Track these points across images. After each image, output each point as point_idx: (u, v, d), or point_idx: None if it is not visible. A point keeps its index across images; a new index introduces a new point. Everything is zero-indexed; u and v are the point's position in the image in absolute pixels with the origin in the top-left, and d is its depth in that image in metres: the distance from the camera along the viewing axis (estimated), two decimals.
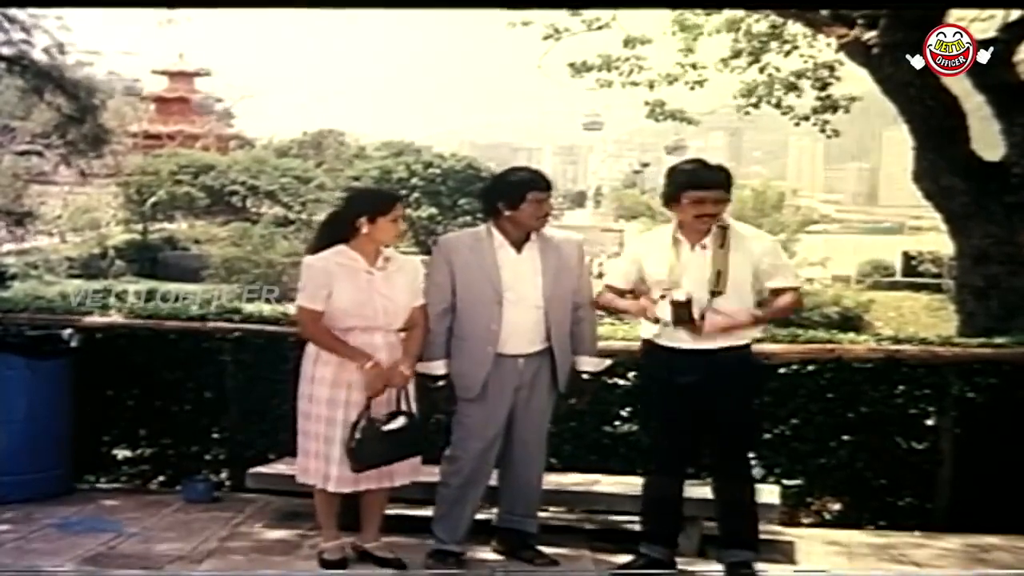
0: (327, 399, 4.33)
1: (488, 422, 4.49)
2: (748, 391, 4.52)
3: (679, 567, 4.52)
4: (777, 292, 4.39)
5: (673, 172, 4.46)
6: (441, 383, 4.53)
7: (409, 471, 4.43)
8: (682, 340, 4.28)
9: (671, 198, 4.36)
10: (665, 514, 4.46)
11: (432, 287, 4.54)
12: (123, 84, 52.39)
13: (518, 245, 4.50)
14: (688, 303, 4.19)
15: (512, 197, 4.46)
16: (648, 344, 4.43)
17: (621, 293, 4.52)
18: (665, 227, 4.50)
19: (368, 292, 4.33)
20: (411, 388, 4.39)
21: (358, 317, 4.31)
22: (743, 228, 4.43)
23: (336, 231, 4.40)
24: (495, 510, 4.75)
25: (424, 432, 4.43)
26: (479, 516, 4.67)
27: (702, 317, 4.23)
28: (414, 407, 4.37)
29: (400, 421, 4.29)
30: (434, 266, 4.58)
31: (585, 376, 4.60)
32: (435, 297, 4.50)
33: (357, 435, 4.21)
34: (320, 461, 4.35)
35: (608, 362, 4.76)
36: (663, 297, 4.28)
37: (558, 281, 4.49)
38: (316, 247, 4.40)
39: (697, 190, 4.27)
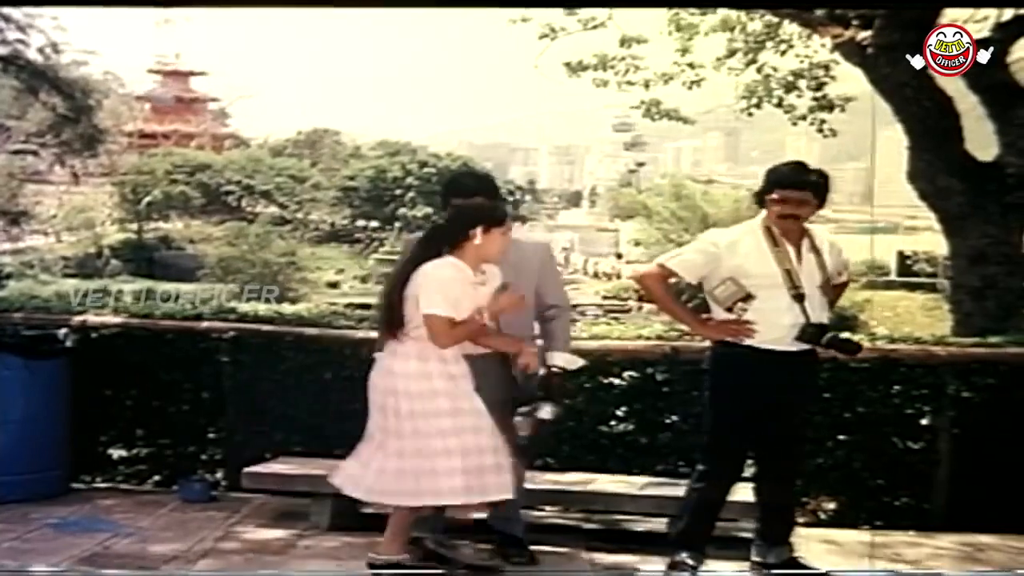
0: (449, 410, 4.19)
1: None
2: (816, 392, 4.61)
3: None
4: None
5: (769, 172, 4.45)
6: None
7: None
8: (784, 343, 4.23)
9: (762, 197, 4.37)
10: (711, 519, 4.41)
11: None
12: (156, 88, 53.06)
13: None
14: (821, 326, 4.22)
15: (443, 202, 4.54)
16: (732, 346, 4.30)
17: (666, 279, 4.40)
18: (745, 226, 4.44)
19: (475, 305, 4.26)
20: None
21: None
22: (815, 230, 4.40)
23: (443, 242, 4.28)
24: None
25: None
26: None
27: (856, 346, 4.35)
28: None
29: (548, 410, 4.27)
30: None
31: (555, 371, 4.48)
32: None
33: (522, 432, 4.21)
34: (445, 477, 4.18)
35: (581, 362, 4.67)
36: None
37: (527, 282, 4.46)
38: (424, 256, 4.24)
39: (784, 190, 4.28)
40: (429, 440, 4.13)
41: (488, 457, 4.15)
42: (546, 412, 4.23)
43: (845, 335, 4.42)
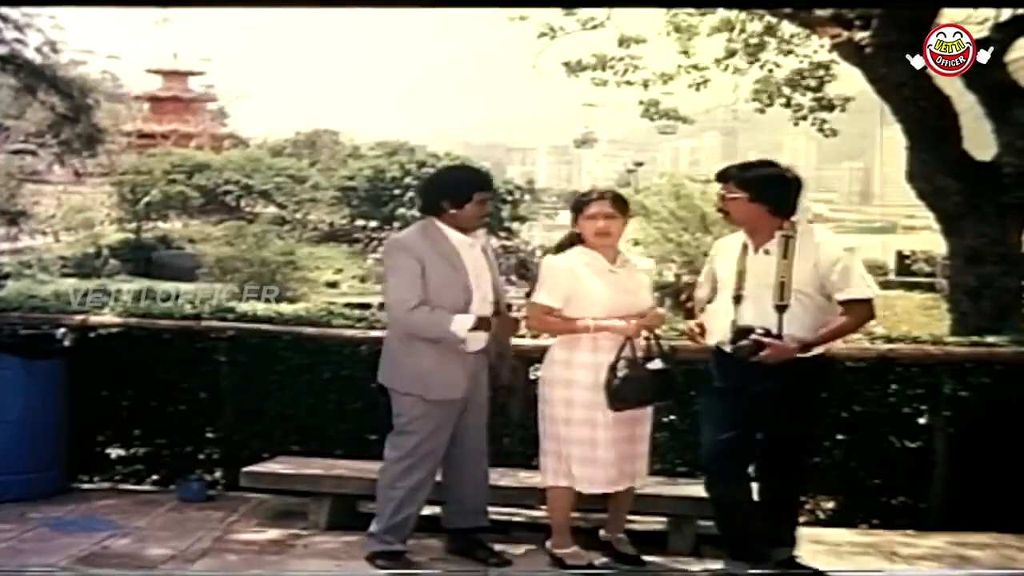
0: (589, 402, 4.34)
1: (447, 423, 4.49)
2: (813, 396, 4.49)
3: (672, 567, 4.54)
4: (846, 305, 4.25)
5: None
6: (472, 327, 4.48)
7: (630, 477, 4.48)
8: (726, 344, 4.26)
9: None
10: (737, 519, 4.36)
11: (402, 285, 4.40)
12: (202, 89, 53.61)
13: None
14: (746, 330, 4.19)
15: (458, 196, 4.46)
16: (717, 347, 4.37)
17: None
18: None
19: (615, 289, 4.40)
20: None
21: (609, 313, 4.37)
22: (817, 235, 4.33)
23: (572, 237, 4.53)
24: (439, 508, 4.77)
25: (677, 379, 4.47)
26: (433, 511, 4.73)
27: (759, 347, 4.15)
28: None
29: (659, 363, 4.32)
30: (401, 265, 4.45)
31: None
32: (409, 293, 4.38)
33: (621, 373, 4.26)
34: (584, 465, 4.37)
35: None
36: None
37: (497, 276, 4.59)
38: (557, 252, 4.52)
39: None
40: (566, 428, 4.39)
41: (623, 448, 4.38)
42: (656, 364, 4.33)
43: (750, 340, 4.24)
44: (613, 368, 4.26)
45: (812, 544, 4.99)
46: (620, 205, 4.51)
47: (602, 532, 4.68)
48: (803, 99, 10.65)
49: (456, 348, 4.43)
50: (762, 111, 10.90)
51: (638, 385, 4.27)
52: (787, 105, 10.64)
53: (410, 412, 4.49)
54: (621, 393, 4.25)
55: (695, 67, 10.90)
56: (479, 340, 4.48)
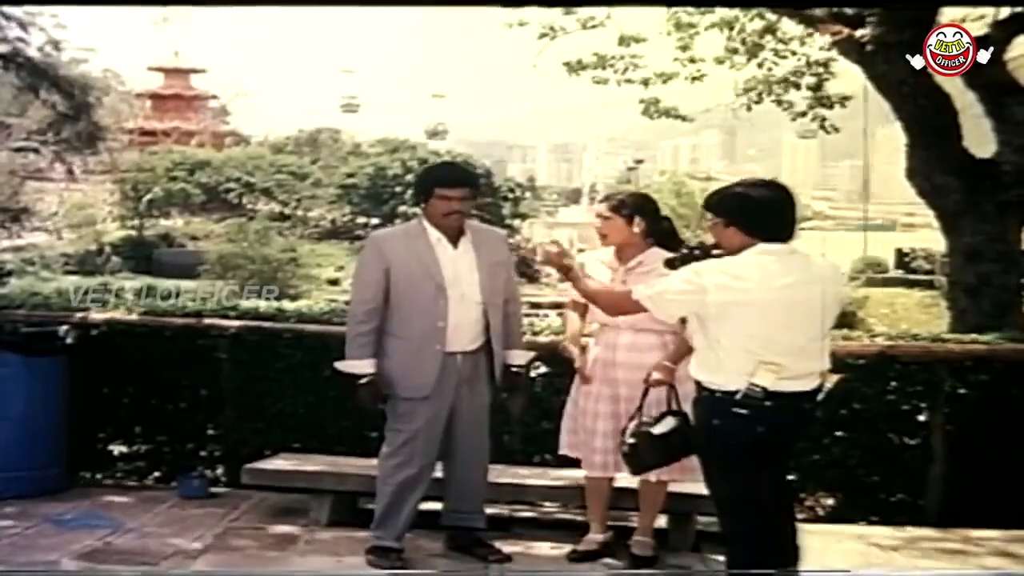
0: (583, 389, 4.56)
1: (432, 421, 4.45)
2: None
3: (672, 564, 4.56)
4: None
5: None
6: (364, 380, 4.42)
7: (679, 471, 4.34)
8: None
9: None
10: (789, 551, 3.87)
11: (361, 284, 4.48)
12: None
13: (454, 240, 4.46)
14: None
15: (420, 191, 4.46)
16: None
17: None
18: None
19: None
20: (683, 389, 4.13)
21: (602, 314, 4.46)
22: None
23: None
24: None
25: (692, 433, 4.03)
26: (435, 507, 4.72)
27: None
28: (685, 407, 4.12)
29: (670, 422, 4.09)
30: (366, 263, 4.51)
31: (515, 370, 4.61)
32: (365, 294, 4.43)
33: (630, 440, 4.14)
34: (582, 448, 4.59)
35: (532, 354, 4.75)
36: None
37: (493, 276, 4.49)
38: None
39: None
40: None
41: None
42: (665, 426, 4.07)
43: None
44: (623, 431, 4.20)
45: (817, 539, 5.01)
46: (616, 207, 4.51)
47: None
48: (795, 96, 10.62)
49: (428, 347, 4.39)
50: (749, 108, 10.87)
51: (650, 450, 4.10)
52: (778, 103, 10.62)
53: (393, 410, 4.50)
54: (633, 460, 4.16)
55: (691, 60, 10.88)
56: (461, 339, 4.44)
